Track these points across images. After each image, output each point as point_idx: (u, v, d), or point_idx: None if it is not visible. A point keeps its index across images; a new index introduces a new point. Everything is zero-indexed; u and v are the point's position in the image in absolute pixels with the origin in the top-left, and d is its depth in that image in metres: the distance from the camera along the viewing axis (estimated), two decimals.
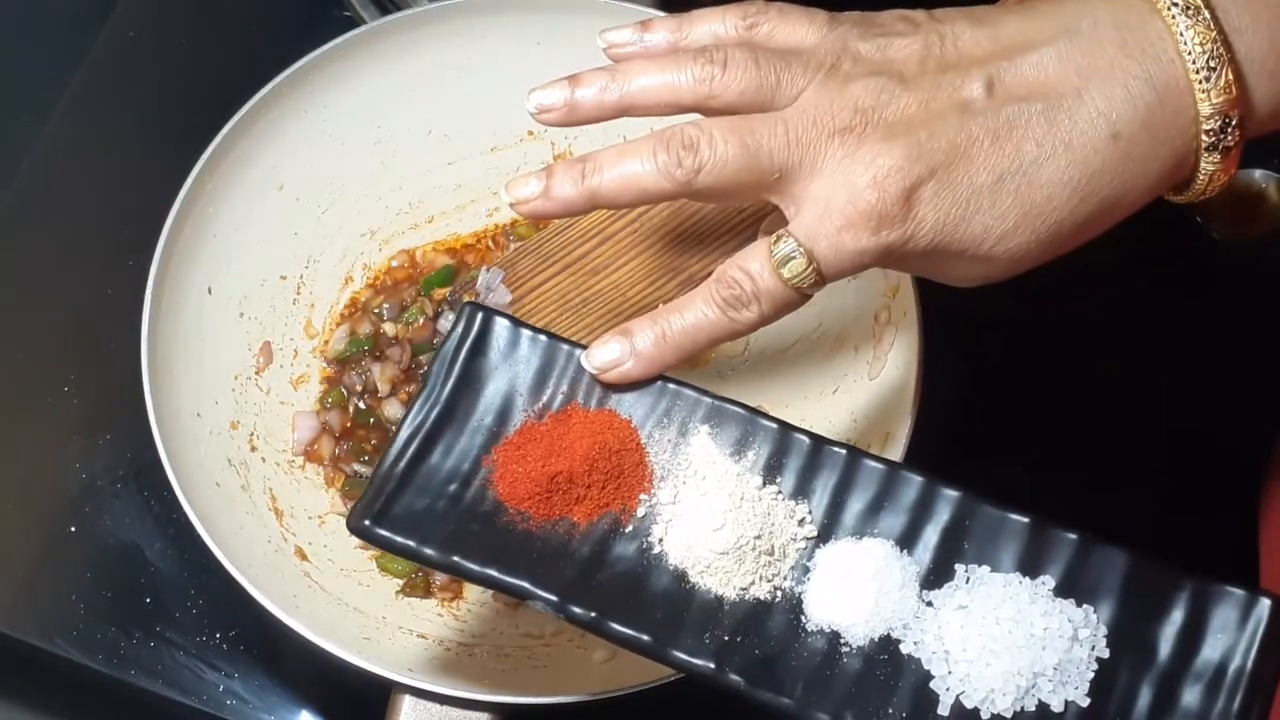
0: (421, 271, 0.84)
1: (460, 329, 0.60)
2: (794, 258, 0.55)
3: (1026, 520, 0.55)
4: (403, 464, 0.57)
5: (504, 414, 0.59)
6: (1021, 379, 0.83)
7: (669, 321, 0.58)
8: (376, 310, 0.82)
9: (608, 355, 0.58)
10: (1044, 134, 0.54)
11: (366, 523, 0.56)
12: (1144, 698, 0.53)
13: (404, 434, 0.58)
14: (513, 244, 0.84)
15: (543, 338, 0.60)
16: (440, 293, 0.82)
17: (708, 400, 0.59)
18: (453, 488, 0.57)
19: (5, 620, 0.76)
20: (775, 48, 0.57)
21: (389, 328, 0.82)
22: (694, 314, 0.57)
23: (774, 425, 0.58)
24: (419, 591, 0.76)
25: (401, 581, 0.76)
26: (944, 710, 0.53)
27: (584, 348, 0.59)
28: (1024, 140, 0.54)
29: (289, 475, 0.78)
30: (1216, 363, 0.84)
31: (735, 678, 0.53)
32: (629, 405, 0.59)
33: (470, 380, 0.59)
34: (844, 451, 0.57)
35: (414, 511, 0.57)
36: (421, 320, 0.81)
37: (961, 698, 0.53)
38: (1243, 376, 0.84)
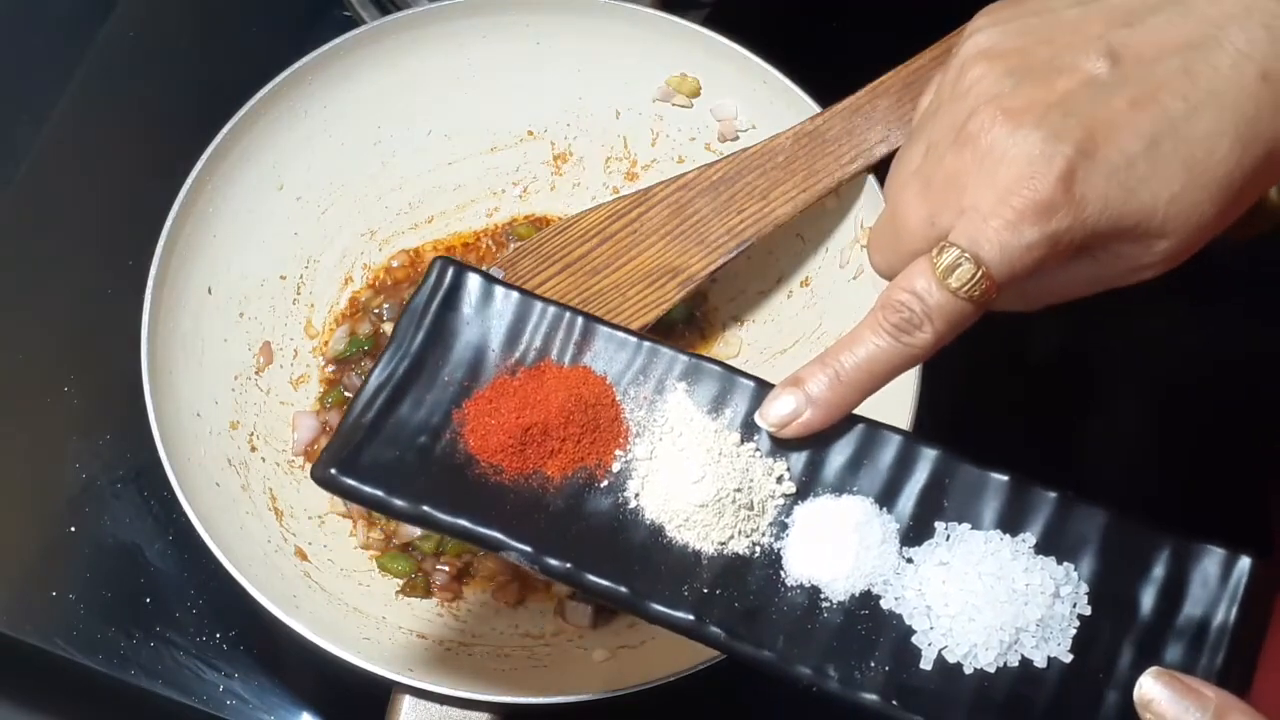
0: (421, 271, 0.84)
1: (431, 282, 0.59)
2: (960, 264, 0.52)
3: (1006, 478, 0.55)
4: (371, 414, 0.56)
5: (475, 368, 0.58)
6: (1022, 378, 0.84)
7: (840, 361, 0.55)
8: (376, 310, 0.82)
9: (783, 409, 0.55)
10: (1187, 88, 0.51)
11: (332, 471, 0.55)
12: (1126, 654, 0.53)
13: (371, 385, 0.57)
14: (513, 244, 0.84)
15: (515, 294, 0.59)
16: None
17: (684, 358, 0.58)
18: (422, 439, 0.56)
19: (5, 620, 0.76)
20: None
21: (389, 328, 0.82)
22: (865, 347, 0.54)
23: (751, 383, 0.58)
24: (419, 591, 0.76)
25: (401, 581, 0.76)
26: (926, 664, 0.53)
27: (558, 305, 0.59)
28: (1168, 99, 0.51)
29: (289, 475, 0.78)
30: (1217, 363, 0.84)
31: (715, 630, 0.53)
32: (604, 362, 0.58)
33: (441, 334, 0.58)
34: None
35: (382, 462, 0.55)
36: None
37: (944, 652, 0.53)
38: (1242, 377, 0.84)
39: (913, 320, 0.53)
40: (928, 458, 0.56)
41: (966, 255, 0.52)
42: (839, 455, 0.57)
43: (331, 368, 0.81)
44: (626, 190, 0.84)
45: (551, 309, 0.59)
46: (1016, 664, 0.53)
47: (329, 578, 0.74)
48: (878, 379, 0.55)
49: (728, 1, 0.88)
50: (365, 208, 0.84)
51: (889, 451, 0.56)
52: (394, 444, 0.56)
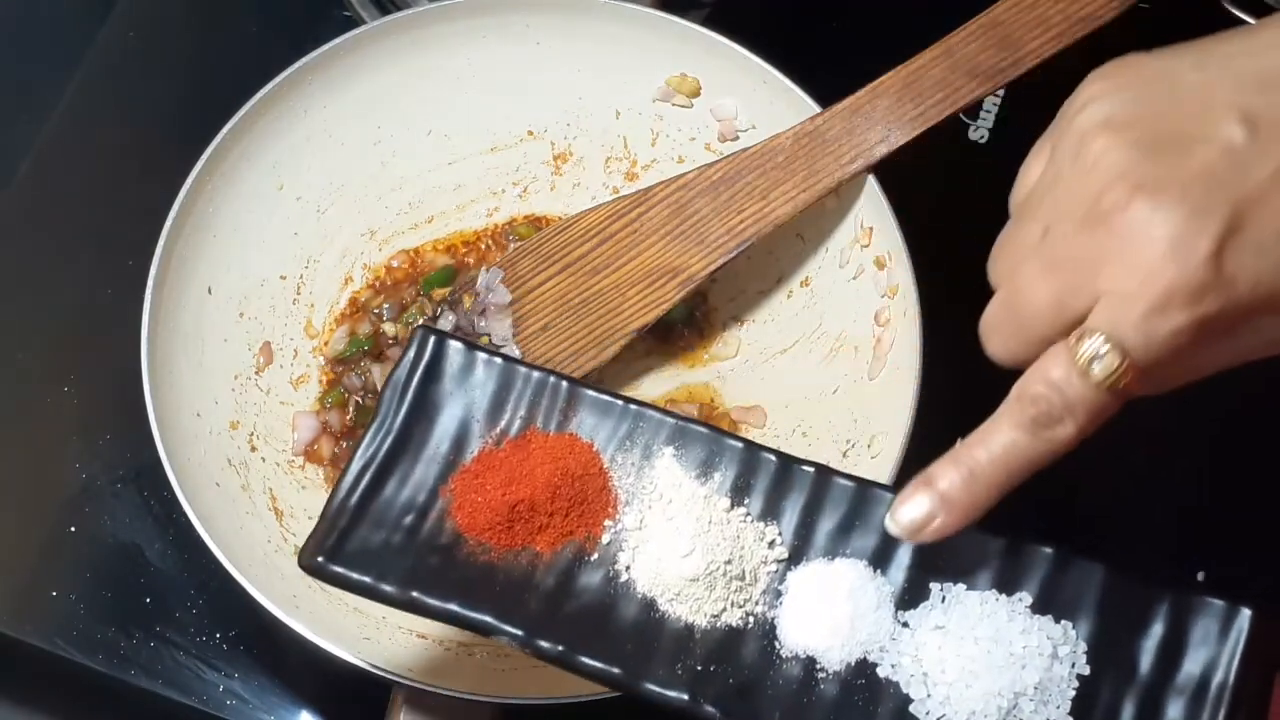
0: (421, 271, 0.84)
1: (412, 354, 0.58)
2: (1103, 354, 0.48)
3: (1001, 536, 0.54)
4: (356, 497, 0.56)
5: (460, 441, 0.57)
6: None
7: (974, 458, 0.51)
8: (376, 310, 0.82)
9: (916, 513, 0.52)
10: None
11: (320, 559, 0.54)
12: (1127, 714, 0.52)
13: (356, 466, 0.56)
14: (513, 244, 0.84)
15: (498, 360, 0.58)
16: (440, 293, 0.82)
17: (671, 421, 0.57)
18: (409, 520, 0.56)
19: (5, 620, 0.76)
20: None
21: (389, 328, 0.82)
22: (1001, 442, 0.51)
23: (740, 444, 0.57)
24: None
25: None
26: None
27: (542, 370, 0.58)
28: None
29: (289, 475, 0.78)
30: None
31: (710, 709, 0.52)
32: (590, 429, 0.57)
33: (424, 407, 0.58)
34: (812, 470, 0.56)
35: (369, 546, 0.55)
36: (421, 320, 0.81)
37: None
38: (1243, 378, 0.83)
39: (1053, 414, 0.50)
40: None
41: (1109, 344, 0.48)
42: (830, 518, 0.56)
43: (332, 368, 0.81)
44: (626, 190, 0.84)
45: (535, 375, 0.58)
46: None
47: None
48: (1015, 477, 0.51)
49: (728, 1, 0.88)
50: (365, 208, 0.84)
51: (881, 510, 0.55)
52: (381, 526, 0.55)
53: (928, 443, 0.70)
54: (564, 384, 0.58)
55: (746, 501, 0.56)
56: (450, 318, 0.81)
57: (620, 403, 0.58)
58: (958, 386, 0.75)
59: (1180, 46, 0.52)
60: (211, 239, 0.77)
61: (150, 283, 0.73)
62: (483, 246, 0.85)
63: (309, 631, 0.66)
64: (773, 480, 0.56)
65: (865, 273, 0.77)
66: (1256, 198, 0.48)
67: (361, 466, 0.56)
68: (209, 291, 0.77)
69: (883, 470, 0.70)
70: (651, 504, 0.56)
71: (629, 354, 0.80)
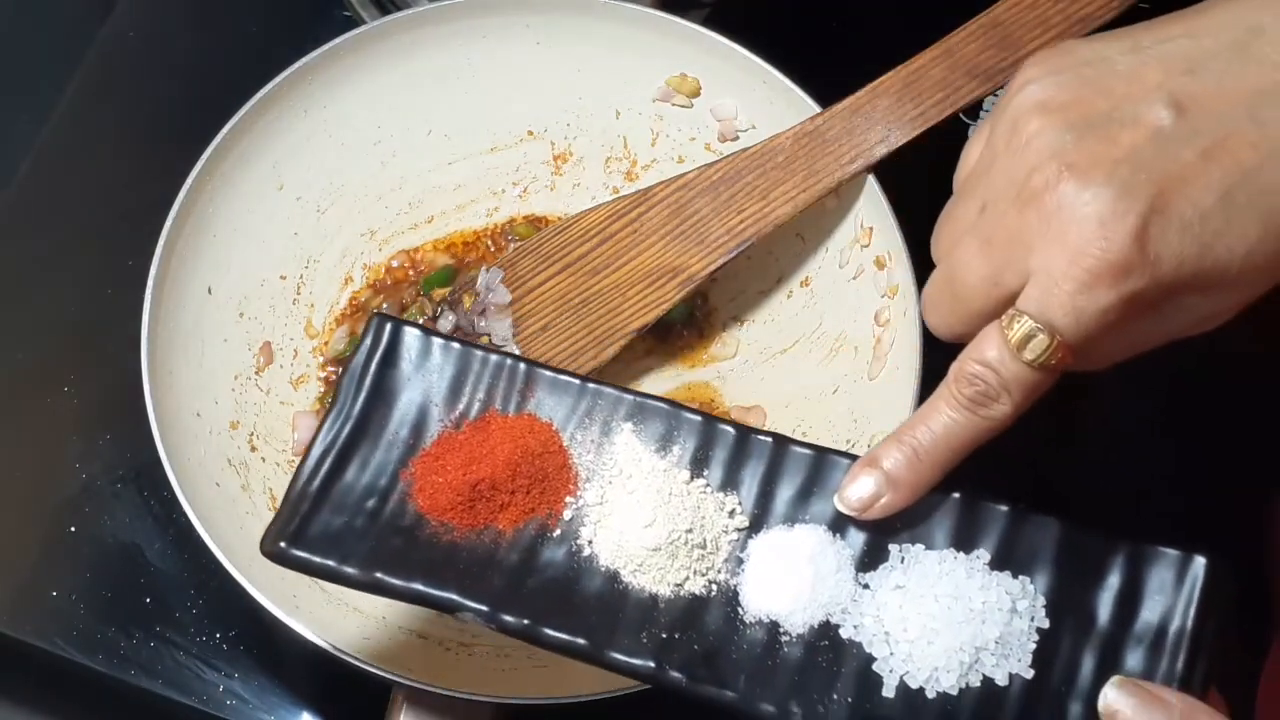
0: (421, 271, 0.84)
1: (369, 341, 0.59)
2: (1035, 335, 0.50)
3: (957, 495, 0.55)
4: (316, 482, 0.56)
5: (419, 425, 0.58)
6: None
7: (916, 438, 0.54)
8: (376, 310, 0.82)
9: (861, 491, 0.54)
10: (1256, 136, 0.49)
11: (282, 545, 0.55)
12: (1087, 664, 0.53)
13: (316, 452, 0.57)
14: (513, 244, 0.84)
15: (455, 345, 0.59)
16: (440, 293, 0.82)
17: (629, 398, 0.58)
18: (371, 503, 0.56)
19: (5, 620, 0.76)
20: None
21: None
22: (942, 422, 0.53)
23: (698, 418, 0.58)
24: None
25: None
26: (889, 692, 0.53)
27: (499, 353, 0.58)
28: (1237, 149, 0.49)
29: (289, 475, 0.78)
30: (1218, 364, 0.84)
31: (676, 675, 0.53)
32: (549, 408, 0.58)
33: (383, 393, 0.58)
34: (770, 440, 0.57)
35: (331, 530, 0.55)
36: (421, 320, 0.81)
37: (905, 678, 0.53)
38: (1243, 380, 0.84)
39: (989, 393, 0.52)
40: None
41: (1039, 324, 0.50)
42: (789, 485, 0.57)
43: (332, 368, 0.81)
44: (626, 190, 0.84)
45: (493, 358, 0.58)
46: (979, 684, 0.53)
47: None
48: (957, 454, 0.53)
49: (728, 1, 0.88)
50: (365, 208, 0.84)
51: (838, 476, 0.56)
52: (342, 510, 0.56)
53: None
54: (521, 365, 0.59)
55: (706, 473, 0.57)
56: (450, 318, 0.81)
57: (578, 382, 0.58)
58: None
59: (1121, 30, 0.53)
60: (211, 239, 0.77)
61: (150, 283, 0.73)
62: (483, 246, 0.85)
63: (309, 631, 0.66)
64: (731, 451, 0.57)
65: (865, 273, 0.77)
66: (1181, 178, 0.49)
67: (321, 452, 0.57)
68: (209, 291, 0.77)
69: None
70: (612, 479, 0.57)
71: (629, 354, 0.80)
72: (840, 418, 0.77)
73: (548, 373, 0.59)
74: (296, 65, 0.78)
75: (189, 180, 0.75)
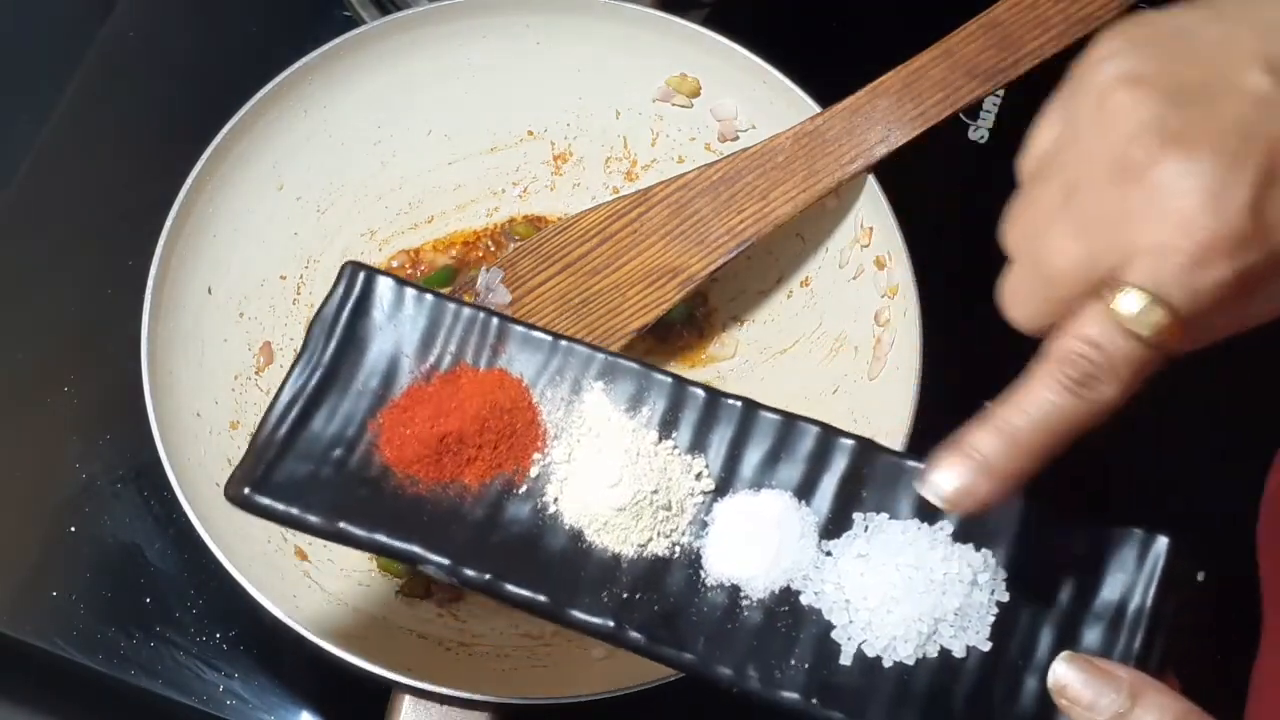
0: (422, 271, 0.84)
1: (341, 289, 0.58)
2: (1147, 309, 0.46)
3: (922, 466, 0.54)
4: (283, 430, 0.55)
5: (389, 376, 0.57)
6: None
7: (1012, 423, 0.48)
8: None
9: (955, 482, 0.49)
10: None
11: (246, 490, 0.54)
12: (1045, 639, 0.53)
13: (284, 399, 0.56)
14: (513, 244, 0.84)
15: (429, 296, 0.58)
16: None
17: (601, 356, 0.58)
18: (337, 453, 0.56)
19: (5, 620, 0.76)
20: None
21: None
22: (1041, 406, 0.48)
23: (668, 379, 0.57)
24: (419, 591, 0.76)
25: (401, 581, 0.76)
26: (846, 660, 0.53)
27: (472, 306, 0.58)
28: None
29: None
30: (1218, 366, 0.84)
31: (635, 635, 0.53)
32: (520, 364, 0.57)
33: (353, 342, 0.57)
34: (739, 404, 0.57)
35: (296, 478, 0.55)
36: None
37: (864, 646, 0.53)
38: (1243, 380, 0.84)
39: (1094, 373, 0.48)
40: (845, 449, 0.56)
41: (1151, 297, 0.46)
42: (757, 449, 0.56)
43: None
44: (626, 190, 0.84)
45: (466, 311, 0.58)
46: (935, 655, 0.53)
47: (329, 578, 0.74)
48: (1059, 441, 0.48)
49: (728, 1, 0.88)
50: (365, 208, 0.84)
51: (807, 443, 0.56)
52: (308, 459, 0.55)
53: (927, 443, 0.70)
54: (494, 320, 0.58)
55: (674, 434, 0.57)
56: None
57: (550, 338, 0.58)
58: (958, 386, 0.75)
59: (1191, 4, 0.50)
60: (211, 239, 0.77)
61: (150, 283, 0.73)
62: (483, 246, 0.85)
63: (309, 631, 0.66)
64: (701, 414, 0.57)
65: (865, 273, 0.77)
66: None
67: (289, 400, 0.56)
68: (209, 291, 0.77)
69: None
70: (580, 437, 0.56)
71: (629, 354, 0.80)
72: (840, 418, 0.77)
73: (520, 328, 0.58)
74: (296, 65, 0.78)
75: (189, 180, 0.75)
